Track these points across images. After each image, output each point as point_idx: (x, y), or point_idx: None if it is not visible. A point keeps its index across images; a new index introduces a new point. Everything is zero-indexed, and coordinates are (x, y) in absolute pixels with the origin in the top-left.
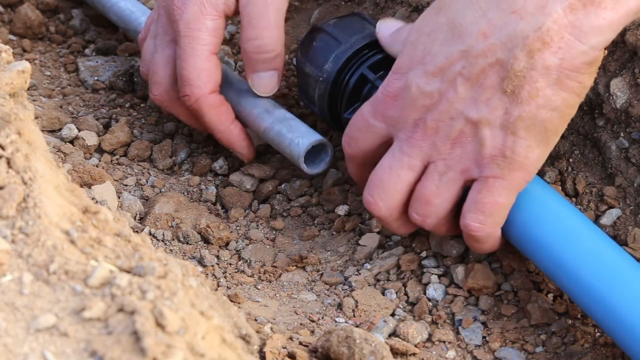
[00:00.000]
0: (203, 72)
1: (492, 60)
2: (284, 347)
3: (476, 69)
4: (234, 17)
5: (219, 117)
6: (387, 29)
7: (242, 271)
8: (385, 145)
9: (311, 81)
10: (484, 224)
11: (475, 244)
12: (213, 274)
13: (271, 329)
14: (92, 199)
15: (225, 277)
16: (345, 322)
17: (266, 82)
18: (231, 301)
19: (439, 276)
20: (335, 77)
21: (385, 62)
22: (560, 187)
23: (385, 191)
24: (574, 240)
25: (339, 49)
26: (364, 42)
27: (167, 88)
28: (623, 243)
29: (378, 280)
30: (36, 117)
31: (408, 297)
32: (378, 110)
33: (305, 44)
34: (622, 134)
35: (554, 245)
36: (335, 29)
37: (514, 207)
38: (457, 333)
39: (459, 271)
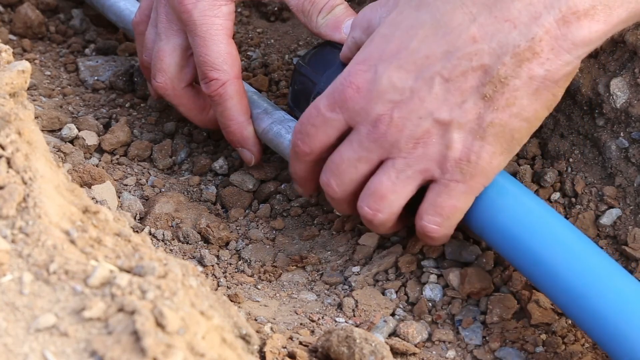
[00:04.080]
0: (227, 56)
1: (477, 65)
2: (284, 347)
3: (457, 71)
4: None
5: (241, 106)
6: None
7: (242, 271)
8: (341, 138)
9: None
10: (441, 227)
11: (428, 241)
12: (213, 274)
13: (271, 328)
14: (92, 198)
15: (225, 277)
16: (345, 322)
17: None
18: (231, 301)
19: (438, 276)
20: None
21: None
22: (559, 188)
23: (341, 178)
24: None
25: (315, 91)
26: (337, 76)
27: (172, 76)
28: (623, 243)
29: (377, 281)
30: (36, 117)
31: (408, 297)
32: (337, 102)
33: (290, 89)
34: (622, 134)
35: (525, 238)
36: (309, 68)
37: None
38: (457, 333)
39: (453, 278)
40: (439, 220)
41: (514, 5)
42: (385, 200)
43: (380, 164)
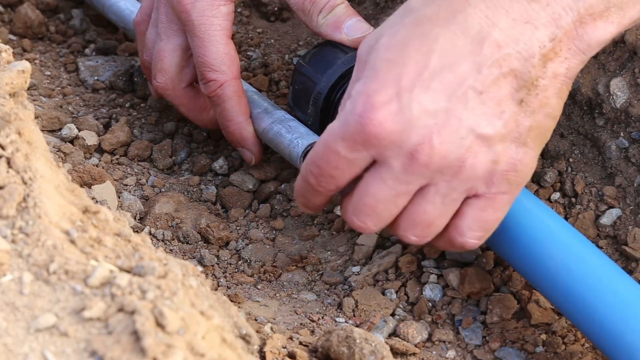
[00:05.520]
0: (225, 56)
1: (506, 71)
2: (284, 347)
3: (489, 81)
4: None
5: (240, 106)
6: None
7: (242, 271)
8: (367, 168)
9: (302, 125)
10: (481, 240)
11: (458, 250)
12: (213, 274)
13: (271, 328)
14: (92, 198)
15: (225, 277)
16: (345, 322)
17: None
18: (231, 301)
19: (438, 276)
20: (321, 119)
21: None
22: (559, 188)
23: (379, 218)
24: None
25: (315, 91)
26: (337, 76)
27: (172, 76)
28: (623, 243)
29: (377, 281)
30: (36, 117)
31: (408, 297)
32: (358, 142)
33: (291, 88)
34: (622, 134)
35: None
36: (309, 67)
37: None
38: (457, 333)
39: (453, 278)
40: (481, 234)
41: (531, 7)
42: (433, 227)
43: (419, 189)
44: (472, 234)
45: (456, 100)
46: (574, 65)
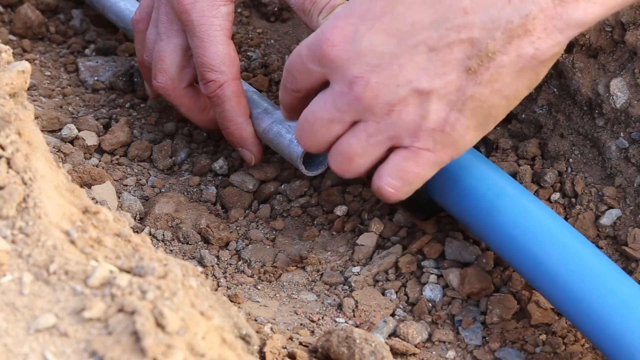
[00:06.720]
0: (225, 57)
1: (465, 37)
2: (284, 347)
3: (443, 42)
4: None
5: (239, 107)
6: None
7: (242, 271)
8: (325, 85)
9: None
10: (399, 191)
11: (380, 199)
12: (213, 274)
13: (271, 329)
14: (92, 199)
15: (225, 277)
16: (345, 322)
17: None
18: (231, 301)
19: (438, 276)
20: None
21: None
22: (559, 188)
23: (315, 138)
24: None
25: None
26: None
27: (172, 76)
28: (623, 243)
29: (377, 281)
30: (36, 117)
31: (408, 297)
32: (315, 55)
33: None
34: (622, 134)
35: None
36: None
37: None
38: (457, 333)
39: (453, 278)
40: (398, 184)
41: None
42: (353, 163)
43: (353, 124)
44: (389, 180)
45: (405, 49)
46: (547, 46)
